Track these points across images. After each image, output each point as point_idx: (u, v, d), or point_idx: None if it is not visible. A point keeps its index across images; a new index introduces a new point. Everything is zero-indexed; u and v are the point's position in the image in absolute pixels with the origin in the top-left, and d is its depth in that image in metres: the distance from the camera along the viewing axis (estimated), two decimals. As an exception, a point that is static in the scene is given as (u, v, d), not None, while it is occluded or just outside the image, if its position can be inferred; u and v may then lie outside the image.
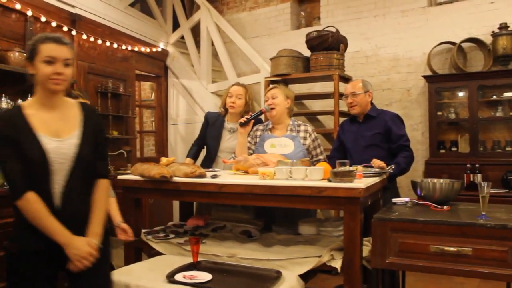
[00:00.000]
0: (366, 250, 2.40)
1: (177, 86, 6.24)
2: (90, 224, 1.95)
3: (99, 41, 4.88)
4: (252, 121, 3.26)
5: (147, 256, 2.80)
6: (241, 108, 3.53)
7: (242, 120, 3.23)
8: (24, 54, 3.66)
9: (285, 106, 3.25)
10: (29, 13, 4.03)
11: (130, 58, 5.47)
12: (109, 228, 2.08)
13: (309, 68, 4.89)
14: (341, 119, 4.06)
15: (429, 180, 2.67)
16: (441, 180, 2.64)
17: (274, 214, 3.19)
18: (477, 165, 4.64)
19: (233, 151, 3.38)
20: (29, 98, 3.65)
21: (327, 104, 5.37)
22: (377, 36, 5.58)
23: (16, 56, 3.64)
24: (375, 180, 2.57)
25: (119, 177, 2.89)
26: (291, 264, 2.39)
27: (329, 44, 4.71)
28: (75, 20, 4.59)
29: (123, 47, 5.27)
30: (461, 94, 5.12)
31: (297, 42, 5.53)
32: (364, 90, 3.32)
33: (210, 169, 3.19)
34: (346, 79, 4.68)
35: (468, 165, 4.67)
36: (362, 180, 2.40)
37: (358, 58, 5.68)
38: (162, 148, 6.31)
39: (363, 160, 2.94)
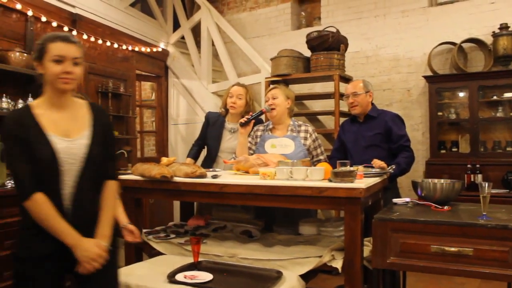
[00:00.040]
0: (366, 250, 2.40)
1: (177, 86, 6.24)
2: (99, 225, 1.92)
3: (100, 41, 4.88)
4: (253, 121, 3.26)
5: (147, 256, 2.80)
6: (242, 108, 3.53)
7: (243, 120, 3.23)
8: (25, 54, 3.69)
9: (285, 107, 3.25)
10: (30, 13, 4.03)
11: (130, 58, 5.47)
12: (117, 230, 2.06)
13: (309, 68, 4.89)
14: (342, 119, 4.06)
15: (429, 180, 2.67)
16: (442, 180, 2.63)
17: (274, 214, 3.19)
18: (477, 166, 4.63)
19: (234, 151, 3.38)
20: (29, 98, 3.69)
21: (328, 104, 5.37)
22: (377, 36, 5.58)
23: (16, 56, 3.64)
24: (376, 180, 2.57)
25: (120, 177, 2.89)
26: (291, 264, 2.39)
27: (330, 44, 4.71)
28: (75, 20, 4.59)
29: (124, 47, 5.27)
30: (461, 94, 5.12)
31: (298, 42, 5.53)
32: (365, 90, 3.32)
33: (211, 169, 3.20)
34: (347, 80, 4.68)
35: (468, 166, 4.67)
36: (363, 180, 2.40)
37: (359, 58, 5.68)
38: (162, 148, 6.31)
39: (363, 160, 2.94)
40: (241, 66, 6.38)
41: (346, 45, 4.87)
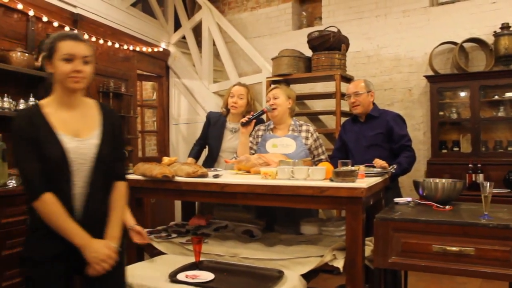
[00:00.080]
0: (368, 250, 2.39)
1: (178, 86, 6.24)
2: (109, 226, 1.90)
3: (101, 41, 4.89)
4: (254, 121, 3.26)
5: (149, 255, 2.80)
6: (243, 108, 3.53)
7: (244, 120, 3.23)
8: (26, 54, 3.69)
9: (286, 106, 3.25)
10: (31, 13, 4.03)
11: (131, 58, 5.47)
12: (124, 231, 2.03)
13: (310, 68, 4.89)
14: (343, 119, 4.06)
15: (431, 180, 2.67)
16: (443, 180, 2.63)
17: (276, 214, 3.19)
18: (479, 165, 4.63)
19: (235, 151, 3.38)
20: (31, 98, 3.70)
21: (329, 104, 5.37)
22: (378, 36, 5.57)
23: (18, 56, 3.64)
24: (377, 180, 2.57)
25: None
26: (293, 264, 2.39)
27: (331, 44, 4.71)
28: (76, 20, 4.59)
29: (125, 47, 5.27)
30: (463, 94, 5.11)
31: (299, 42, 5.53)
32: (367, 90, 3.32)
33: (212, 169, 3.20)
34: (348, 79, 4.67)
35: (470, 165, 4.66)
36: (364, 180, 2.40)
37: (360, 58, 5.67)
38: (163, 148, 6.31)
39: (365, 160, 2.94)
40: (242, 66, 6.38)
41: (347, 45, 4.87)
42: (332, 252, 2.39)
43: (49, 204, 1.76)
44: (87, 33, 4.71)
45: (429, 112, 5.11)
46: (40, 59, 3.85)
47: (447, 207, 2.42)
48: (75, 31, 1.96)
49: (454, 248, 2.06)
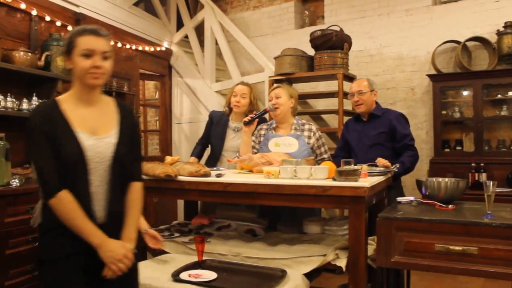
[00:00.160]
0: (371, 249, 2.40)
1: (181, 85, 6.24)
2: (125, 227, 1.86)
3: (104, 41, 4.88)
4: (256, 120, 3.26)
5: (151, 255, 2.80)
6: (246, 107, 3.53)
7: (247, 119, 3.24)
8: (29, 54, 3.70)
9: (289, 106, 3.25)
10: (34, 12, 4.03)
11: (134, 57, 5.48)
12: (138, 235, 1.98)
13: (313, 67, 4.89)
14: (345, 118, 4.05)
15: (434, 179, 2.67)
16: (446, 179, 2.63)
17: (278, 213, 3.19)
18: (482, 164, 4.62)
19: (238, 150, 3.38)
20: (34, 98, 3.71)
21: (331, 103, 5.36)
22: (381, 35, 5.56)
23: (21, 55, 3.64)
24: (380, 179, 2.57)
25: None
26: (296, 263, 2.39)
27: (333, 43, 4.70)
28: (79, 20, 4.60)
29: (127, 46, 5.28)
30: (465, 93, 5.10)
31: (301, 41, 5.53)
32: (370, 89, 3.32)
33: (215, 168, 3.20)
34: (350, 78, 4.67)
35: (473, 164, 4.65)
36: (367, 179, 2.40)
37: (362, 57, 5.66)
38: (166, 147, 6.32)
39: (367, 159, 2.94)
40: (244, 65, 6.38)
41: (350, 44, 4.87)
42: (335, 251, 2.39)
43: (66, 202, 1.72)
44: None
45: (431, 111, 5.11)
46: (43, 58, 3.86)
47: (450, 206, 2.42)
48: (96, 26, 1.91)
49: (457, 248, 2.05)
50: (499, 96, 4.82)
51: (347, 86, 4.03)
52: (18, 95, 3.68)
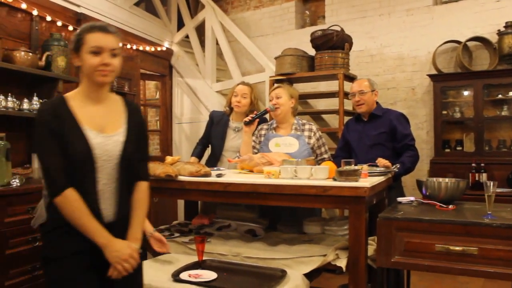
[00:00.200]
0: (371, 249, 2.40)
1: (181, 85, 6.25)
2: (131, 227, 1.84)
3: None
4: (257, 120, 3.26)
5: (151, 255, 2.80)
6: (246, 107, 3.53)
7: (247, 119, 3.24)
8: (30, 54, 3.70)
9: (289, 106, 3.25)
10: (35, 12, 4.04)
11: (135, 57, 5.48)
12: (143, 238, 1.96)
13: (313, 67, 4.89)
14: (346, 118, 4.05)
15: (434, 179, 2.66)
16: (447, 179, 2.63)
17: (279, 213, 3.19)
18: (482, 164, 4.62)
19: (238, 150, 3.38)
20: (34, 98, 3.71)
21: (332, 103, 5.35)
22: (382, 35, 5.56)
23: (21, 55, 3.65)
24: (380, 179, 2.57)
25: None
26: (296, 263, 2.39)
27: (334, 43, 4.70)
28: (80, 20, 4.60)
29: (128, 46, 5.28)
30: (466, 93, 5.10)
31: (302, 41, 5.53)
32: (371, 89, 3.33)
33: (215, 168, 3.20)
34: (351, 78, 4.67)
35: (473, 164, 4.65)
36: (367, 179, 2.40)
37: (363, 57, 5.66)
38: (166, 147, 6.32)
39: (368, 159, 2.94)
40: (245, 65, 6.38)
41: (351, 44, 4.87)
42: (335, 252, 2.39)
43: (72, 201, 1.70)
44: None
45: (432, 111, 5.10)
46: (43, 58, 3.87)
47: (450, 206, 2.42)
48: (104, 23, 1.88)
49: (457, 248, 2.05)
50: (500, 96, 4.81)
51: (347, 86, 4.03)
52: (18, 95, 3.69)
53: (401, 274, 2.90)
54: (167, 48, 6.07)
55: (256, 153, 3.18)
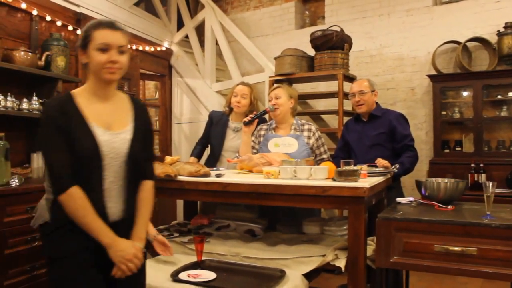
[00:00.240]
0: (370, 250, 2.40)
1: (181, 85, 6.24)
2: (135, 227, 1.83)
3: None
4: (256, 120, 3.26)
5: (150, 255, 2.80)
6: (246, 107, 3.53)
7: (247, 119, 3.24)
8: (30, 53, 3.70)
9: (288, 106, 3.25)
10: (35, 12, 4.04)
11: (134, 57, 5.47)
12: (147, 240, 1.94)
13: (313, 68, 4.89)
14: (345, 119, 4.05)
15: (433, 179, 2.67)
16: (446, 180, 2.63)
17: (278, 213, 3.19)
18: (481, 165, 4.62)
19: (237, 150, 3.38)
20: (34, 97, 3.71)
21: (331, 104, 5.36)
22: (381, 35, 5.56)
23: (21, 55, 3.65)
24: (380, 179, 2.57)
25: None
26: (295, 263, 2.40)
27: (334, 43, 4.71)
28: (80, 20, 4.60)
29: (128, 46, 5.27)
30: (465, 93, 5.10)
31: (302, 41, 5.53)
32: (371, 89, 3.33)
33: (215, 168, 3.20)
34: (351, 79, 4.67)
35: (472, 165, 4.65)
36: (367, 179, 2.40)
37: (363, 58, 5.66)
38: (166, 147, 6.32)
39: (367, 160, 2.94)
40: (245, 65, 6.38)
41: (350, 44, 4.87)
42: (334, 252, 2.39)
43: (76, 199, 1.68)
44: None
45: (431, 112, 5.11)
46: (43, 58, 3.87)
47: (449, 207, 2.42)
48: (112, 19, 1.87)
49: (456, 248, 2.05)
50: (499, 96, 4.81)
51: (347, 87, 4.03)
52: (18, 95, 3.69)
53: (400, 274, 2.90)
54: (166, 48, 6.07)
55: (255, 153, 3.18)
